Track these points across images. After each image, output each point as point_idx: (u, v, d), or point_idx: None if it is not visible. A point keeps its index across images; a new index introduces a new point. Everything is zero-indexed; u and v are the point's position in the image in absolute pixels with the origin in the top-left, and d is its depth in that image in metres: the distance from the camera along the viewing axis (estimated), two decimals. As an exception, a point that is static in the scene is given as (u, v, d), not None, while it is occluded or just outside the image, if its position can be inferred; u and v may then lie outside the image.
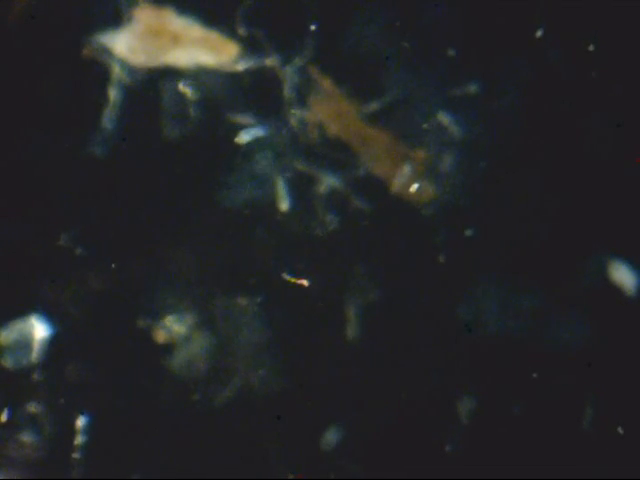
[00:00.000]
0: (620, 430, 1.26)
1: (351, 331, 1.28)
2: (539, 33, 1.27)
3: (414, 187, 1.26)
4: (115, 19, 1.27)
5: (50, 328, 1.27)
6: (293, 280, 1.27)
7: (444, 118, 1.28)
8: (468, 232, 1.28)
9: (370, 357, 1.28)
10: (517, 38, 1.29)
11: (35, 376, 1.27)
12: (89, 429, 1.26)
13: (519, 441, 1.27)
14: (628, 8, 1.28)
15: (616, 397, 1.27)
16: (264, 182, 1.28)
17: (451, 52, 1.28)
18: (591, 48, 1.28)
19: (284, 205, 1.28)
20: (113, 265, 1.28)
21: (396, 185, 1.28)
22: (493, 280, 1.28)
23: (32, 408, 1.26)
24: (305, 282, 1.27)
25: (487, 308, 1.28)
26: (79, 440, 1.25)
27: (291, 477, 1.27)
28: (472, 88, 1.27)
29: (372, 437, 1.28)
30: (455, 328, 1.28)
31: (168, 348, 1.27)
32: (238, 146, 1.28)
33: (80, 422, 1.25)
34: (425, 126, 1.27)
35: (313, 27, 1.26)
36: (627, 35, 1.28)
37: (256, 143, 1.27)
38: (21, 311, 1.27)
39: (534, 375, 1.27)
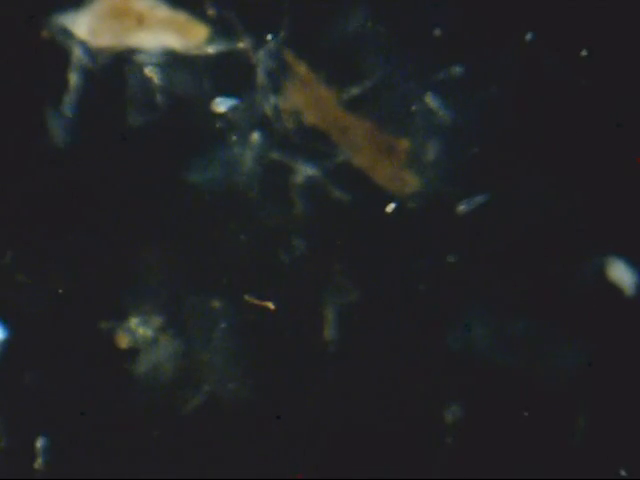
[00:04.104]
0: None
1: (329, 334, 1.28)
2: (529, 36, 1.27)
3: (391, 206, 1.26)
4: None
5: (4, 331, 1.28)
6: (257, 302, 1.27)
7: (429, 103, 1.27)
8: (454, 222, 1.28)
9: (348, 361, 1.28)
10: (506, 32, 1.28)
11: (-12, 381, 1.30)
12: (48, 436, 1.27)
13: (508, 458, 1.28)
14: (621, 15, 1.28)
15: (609, 412, 1.28)
16: (235, 173, 1.28)
17: (437, 32, 1.27)
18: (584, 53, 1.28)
19: (258, 198, 1.28)
20: (73, 263, 1.29)
21: (379, 177, 1.27)
22: (481, 288, 1.28)
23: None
24: (270, 304, 1.27)
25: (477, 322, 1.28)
26: (38, 447, 1.26)
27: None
28: (457, 71, 1.27)
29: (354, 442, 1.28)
30: (442, 335, 1.28)
31: (132, 352, 1.28)
32: (207, 135, 1.28)
33: (39, 438, 1.27)
34: (409, 111, 1.27)
35: (270, 37, 1.26)
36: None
37: (230, 121, 1.28)
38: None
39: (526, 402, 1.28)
